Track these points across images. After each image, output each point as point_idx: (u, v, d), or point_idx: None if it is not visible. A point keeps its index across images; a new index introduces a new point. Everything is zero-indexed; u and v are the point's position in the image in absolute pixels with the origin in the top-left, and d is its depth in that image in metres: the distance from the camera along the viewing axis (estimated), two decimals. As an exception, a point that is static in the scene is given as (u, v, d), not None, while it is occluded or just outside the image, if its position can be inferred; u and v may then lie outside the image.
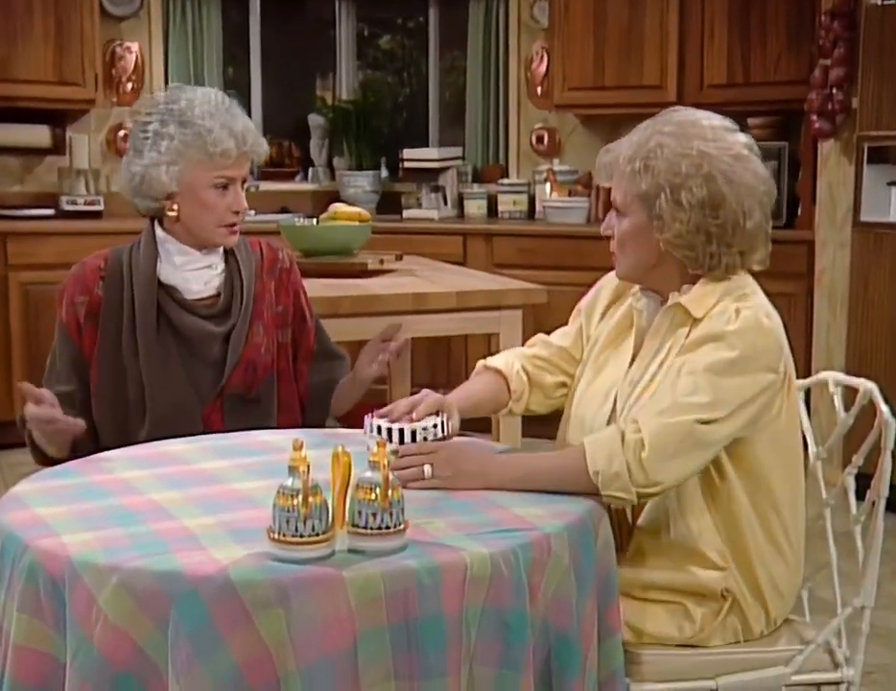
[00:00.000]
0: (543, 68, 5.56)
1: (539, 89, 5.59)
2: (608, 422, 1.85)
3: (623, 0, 5.08)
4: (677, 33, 5.00)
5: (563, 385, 2.01)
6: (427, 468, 1.73)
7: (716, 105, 5.11)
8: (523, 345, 3.16)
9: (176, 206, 2.13)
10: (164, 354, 2.13)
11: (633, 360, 1.89)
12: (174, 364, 2.13)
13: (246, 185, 2.19)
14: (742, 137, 1.85)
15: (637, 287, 1.92)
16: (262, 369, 2.19)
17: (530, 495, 1.71)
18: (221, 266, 2.21)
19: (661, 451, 1.67)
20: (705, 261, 1.80)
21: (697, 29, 4.96)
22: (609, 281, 2.01)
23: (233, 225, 2.16)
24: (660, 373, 1.81)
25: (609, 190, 1.89)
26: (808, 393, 2.14)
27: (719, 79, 4.94)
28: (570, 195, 5.38)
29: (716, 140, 1.80)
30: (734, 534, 1.81)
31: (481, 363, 2.05)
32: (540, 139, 5.64)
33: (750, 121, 4.96)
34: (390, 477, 1.50)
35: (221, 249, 2.21)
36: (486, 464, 1.77)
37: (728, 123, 1.86)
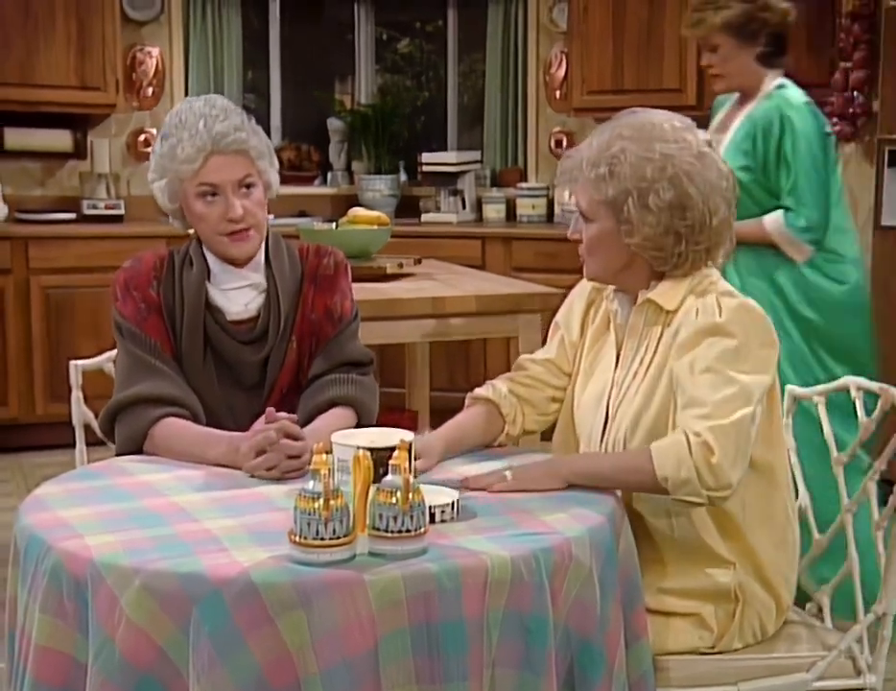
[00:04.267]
0: (562, 72, 5.55)
1: (558, 93, 5.58)
2: (604, 427, 1.88)
3: (642, 3, 5.07)
4: (697, 36, 4.99)
5: (555, 399, 2.01)
6: (507, 473, 1.78)
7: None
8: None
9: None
10: (207, 380, 2.06)
11: (618, 361, 1.90)
12: (213, 390, 2.07)
13: (250, 189, 2.03)
14: (702, 134, 1.87)
15: (609, 289, 1.94)
16: (295, 392, 2.10)
17: (550, 499, 1.72)
18: (263, 284, 2.09)
19: (726, 454, 1.69)
20: (673, 260, 1.83)
21: (717, 32, 4.95)
22: (580, 289, 2.03)
23: (234, 233, 2.03)
24: (641, 371, 1.84)
25: None
26: (828, 398, 2.13)
27: (738, 82, 4.92)
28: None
29: (677, 141, 1.81)
30: (729, 523, 1.82)
31: (468, 396, 2.05)
32: (559, 143, 5.63)
33: (769, 124, 4.94)
34: (411, 481, 1.50)
35: (261, 262, 2.09)
36: (554, 462, 1.83)
37: (687, 121, 1.87)
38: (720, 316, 1.77)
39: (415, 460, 1.78)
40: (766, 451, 1.83)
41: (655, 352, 1.84)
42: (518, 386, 2.01)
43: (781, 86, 2.96)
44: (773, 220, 2.92)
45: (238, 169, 2.02)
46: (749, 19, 2.94)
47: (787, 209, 2.92)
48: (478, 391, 2.03)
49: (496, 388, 2.01)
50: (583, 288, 2.02)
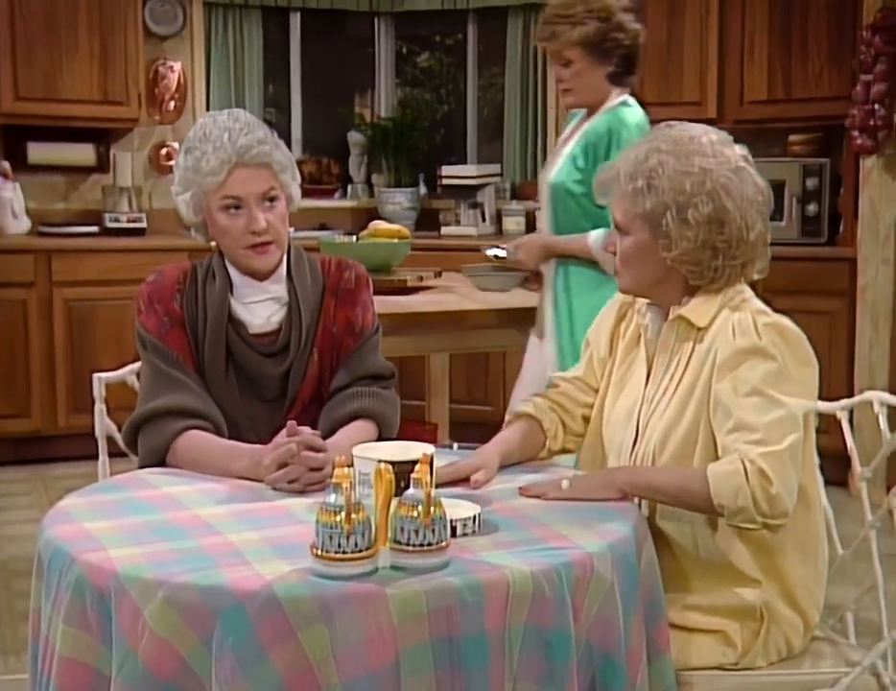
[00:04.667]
0: (581, 85, 5.55)
1: (577, 106, 5.58)
2: (634, 443, 1.88)
3: (662, 16, 5.07)
4: (717, 48, 4.97)
5: (585, 417, 2.02)
6: (565, 482, 1.79)
7: (756, 121, 5.14)
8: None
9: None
10: (229, 393, 2.07)
11: (648, 376, 1.90)
12: (235, 402, 2.07)
13: (273, 202, 2.04)
14: (739, 149, 1.86)
15: (640, 303, 1.94)
16: (316, 405, 2.11)
17: (571, 513, 1.71)
18: (284, 297, 2.09)
19: (784, 482, 1.69)
20: (709, 274, 1.83)
21: (738, 44, 4.94)
22: (610, 305, 2.03)
23: (257, 245, 2.03)
24: (672, 387, 1.84)
25: None
26: (851, 412, 2.12)
27: (759, 95, 4.91)
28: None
29: (715, 155, 1.81)
30: (759, 543, 1.81)
31: (509, 413, 2.06)
32: (578, 156, 5.63)
33: (791, 137, 4.93)
34: (433, 494, 1.50)
35: (283, 275, 2.10)
36: (612, 473, 1.84)
37: (724, 136, 1.87)
38: (759, 337, 1.76)
39: (476, 472, 1.82)
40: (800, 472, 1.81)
41: (686, 368, 1.83)
42: (556, 404, 2.02)
43: (623, 103, 2.94)
44: (596, 236, 2.88)
45: (261, 182, 2.03)
46: (604, 38, 2.90)
47: (609, 226, 2.88)
48: (519, 407, 2.04)
49: (537, 404, 2.02)
50: (613, 304, 2.02)
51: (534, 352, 3.08)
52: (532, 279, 3.15)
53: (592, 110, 2.98)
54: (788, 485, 1.69)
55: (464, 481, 1.83)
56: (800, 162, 4.79)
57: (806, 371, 1.79)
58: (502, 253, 3.01)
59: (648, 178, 1.80)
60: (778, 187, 4.64)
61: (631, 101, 2.98)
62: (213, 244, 2.13)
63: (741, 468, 1.69)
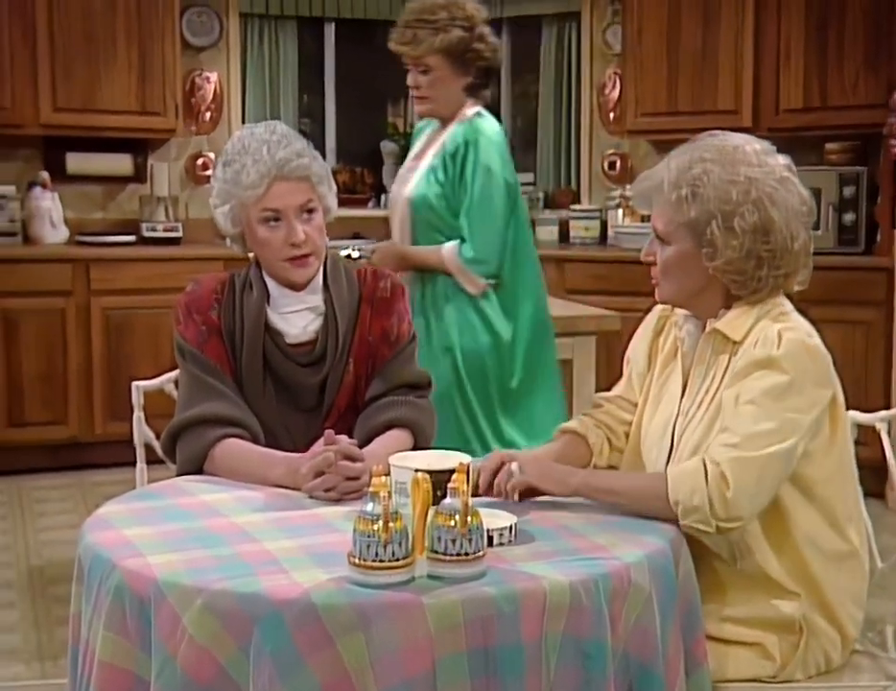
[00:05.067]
0: (615, 94, 5.56)
1: (611, 115, 5.59)
2: (668, 456, 1.87)
3: (696, 24, 5.06)
4: (752, 56, 4.95)
5: (628, 435, 2.03)
6: (514, 465, 1.78)
7: (792, 129, 5.10)
8: (597, 372, 3.20)
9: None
10: (266, 402, 2.09)
11: (684, 390, 1.89)
12: (272, 411, 2.09)
13: (312, 214, 2.06)
14: (782, 159, 1.85)
15: (678, 315, 1.93)
16: (352, 414, 2.12)
17: (609, 524, 1.71)
18: (321, 307, 2.11)
19: (744, 489, 1.68)
20: (752, 284, 1.81)
21: (773, 52, 4.91)
22: (647, 320, 2.03)
23: (296, 258, 2.05)
24: (707, 400, 1.83)
25: None
26: (889, 424, 2.10)
27: (795, 103, 4.88)
28: (642, 221, 5.35)
29: (760, 165, 1.80)
30: (793, 554, 1.80)
31: (556, 430, 2.06)
32: (612, 165, 5.63)
33: (828, 145, 4.89)
34: (470, 504, 1.50)
35: (319, 285, 2.11)
36: (570, 472, 1.82)
37: (767, 146, 1.86)
38: (777, 350, 1.74)
39: (506, 464, 1.81)
40: (825, 487, 1.80)
41: (721, 382, 1.83)
42: (598, 422, 2.02)
43: (478, 114, 2.89)
44: (449, 248, 2.86)
45: (300, 194, 2.05)
46: (466, 48, 2.85)
47: (462, 239, 2.85)
48: (565, 424, 2.05)
49: (581, 421, 2.02)
50: (650, 318, 2.02)
51: None
52: None
53: (445, 122, 2.93)
54: (748, 491, 1.68)
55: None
56: (837, 171, 4.75)
57: (821, 394, 1.77)
58: (356, 254, 2.94)
59: (693, 186, 1.78)
60: (814, 196, 4.56)
61: (485, 112, 2.93)
62: (251, 255, 2.15)
63: (701, 469, 1.69)
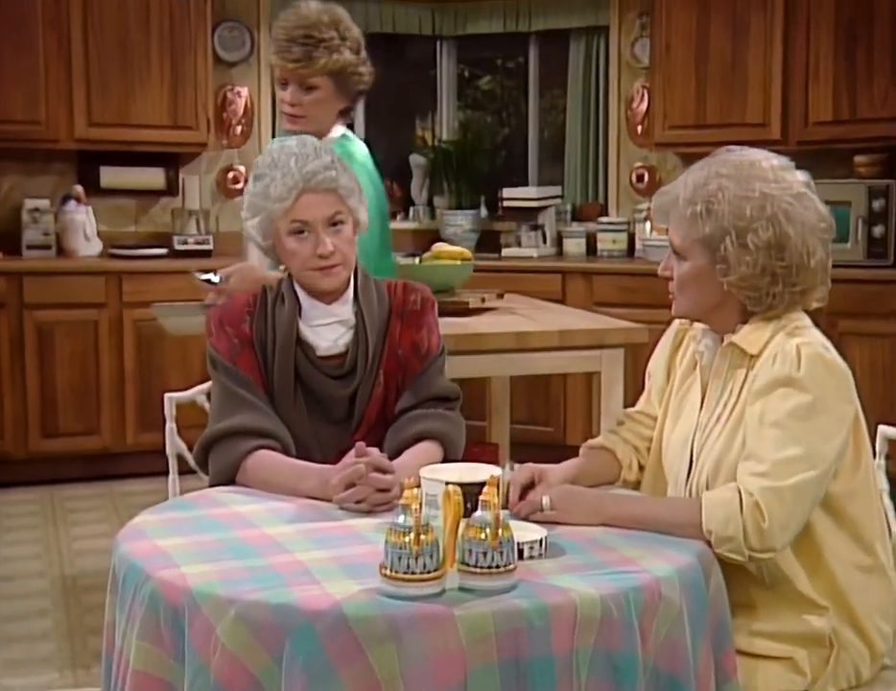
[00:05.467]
0: (643, 107, 5.56)
1: (639, 128, 5.59)
2: (689, 471, 1.87)
3: (725, 37, 5.06)
4: (781, 69, 4.94)
5: (650, 450, 2.03)
6: (545, 500, 1.78)
7: (821, 142, 5.07)
8: (624, 384, 3.20)
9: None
10: (297, 414, 2.11)
11: (702, 403, 1.90)
12: (303, 423, 2.11)
13: (340, 226, 2.09)
14: (800, 175, 1.84)
15: (696, 329, 1.93)
16: (382, 426, 2.14)
17: (638, 538, 1.72)
18: (351, 320, 2.13)
19: (778, 519, 1.68)
20: (767, 301, 1.81)
21: (802, 65, 4.90)
22: (667, 334, 2.03)
23: (323, 268, 2.08)
24: (725, 414, 1.83)
25: None
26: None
27: (824, 115, 4.86)
28: (668, 232, 5.34)
29: (776, 180, 1.80)
30: (824, 571, 1.79)
31: (583, 446, 2.07)
32: (640, 177, 5.63)
33: (857, 158, 4.87)
34: (501, 516, 1.51)
35: (350, 298, 2.14)
36: (601, 501, 1.81)
37: (785, 161, 1.85)
38: (798, 368, 1.74)
39: (535, 485, 1.82)
40: (852, 503, 1.80)
41: (739, 396, 1.83)
42: (624, 439, 2.03)
43: (345, 137, 2.82)
44: None
45: (328, 206, 2.07)
46: (353, 71, 2.75)
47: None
48: (592, 440, 2.05)
49: (608, 436, 2.03)
50: (669, 332, 2.03)
51: None
52: None
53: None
54: (782, 522, 1.68)
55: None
56: (866, 184, 4.73)
57: (845, 409, 1.77)
58: (215, 278, 2.76)
59: (708, 202, 1.79)
60: (843, 209, 4.58)
61: (350, 134, 2.87)
62: (282, 267, 2.17)
63: (736, 499, 1.69)
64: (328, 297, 2.13)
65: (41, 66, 4.93)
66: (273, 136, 5.53)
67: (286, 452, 2.05)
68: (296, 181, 2.04)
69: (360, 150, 2.82)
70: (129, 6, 5.04)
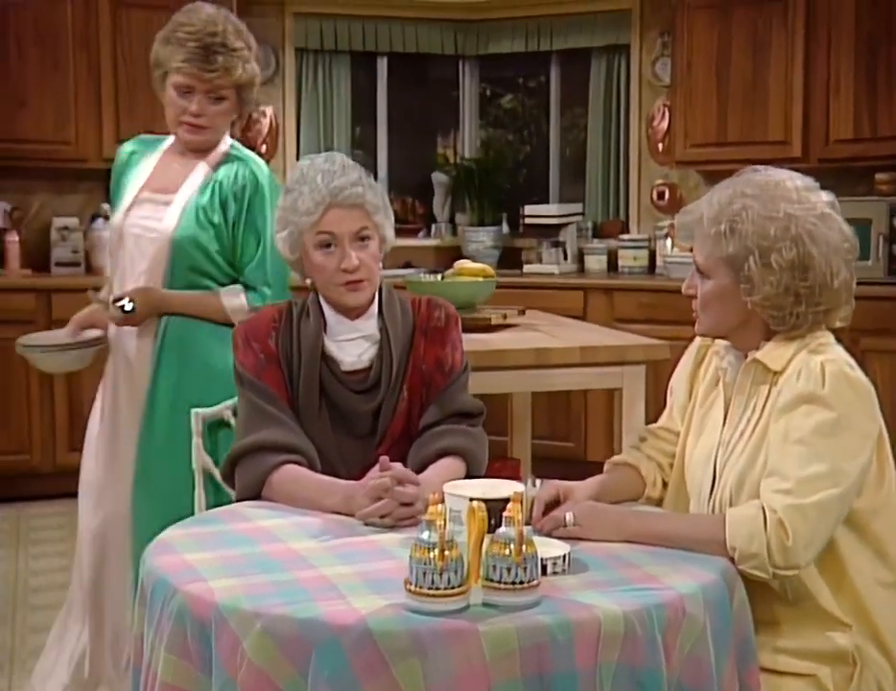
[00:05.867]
0: (664, 125, 5.57)
1: (660, 146, 5.61)
2: (712, 487, 1.88)
3: (746, 55, 5.07)
4: (802, 86, 4.95)
5: (672, 466, 2.04)
6: (568, 516, 1.79)
7: (842, 160, 5.08)
8: (646, 401, 3.20)
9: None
10: (322, 428, 2.13)
11: (725, 419, 1.90)
12: (328, 438, 2.13)
13: (366, 241, 2.11)
14: (825, 196, 1.85)
15: (719, 345, 1.94)
16: (405, 440, 2.15)
17: (662, 554, 1.72)
18: (376, 335, 2.15)
19: (802, 537, 1.69)
20: (791, 320, 1.82)
21: (823, 82, 4.91)
22: (689, 350, 2.04)
23: (349, 282, 2.10)
24: (748, 430, 1.84)
25: None
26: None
27: (845, 133, 4.86)
28: (691, 250, 5.35)
29: (801, 201, 1.81)
30: (848, 589, 1.80)
31: (607, 462, 2.08)
32: (661, 195, 5.65)
33: (878, 176, 4.87)
34: (525, 533, 1.53)
35: (374, 314, 2.16)
36: (624, 518, 1.82)
37: (809, 182, 1.86)
38: (823, 385, 1.75)
39: (561, 502, 1.83)
40: (876, 519, 1.80)
41: (762, 413, 1.84)
42: (647, 456, 2.04)
43: (239, 150, 2.69)
44: (234, 296, 2.61)
45: (354, 222, 2.10)
46: (253, 84, 2.65)
47: (247, 287, 2.61)
48: (616, 457, 2.07)
49: (631, 452, 2.04)
50: (691, 348, 2.04)
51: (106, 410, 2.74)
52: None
53: (200, 154, 2.66)
54: (805, 539, 1.69)
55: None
56: (887, 201, 4.72)
57: (870, 427, 1.77)
58: (129, 306, 2.57)
59: (732, 221, 1.80)
60: (864, 226, 4.57)
61: (239, 146, 2.73)
62: (308, 281, 2.20)
63: (760, 517, 1.69)
64: (353, 312, 2.15)
65: (71, 86, 5.00)
66: (298, 155, 5.58)
67: (311, 467, 2.07)
68: (324, 196, 2.08)
69: (265, 169, 2.70)
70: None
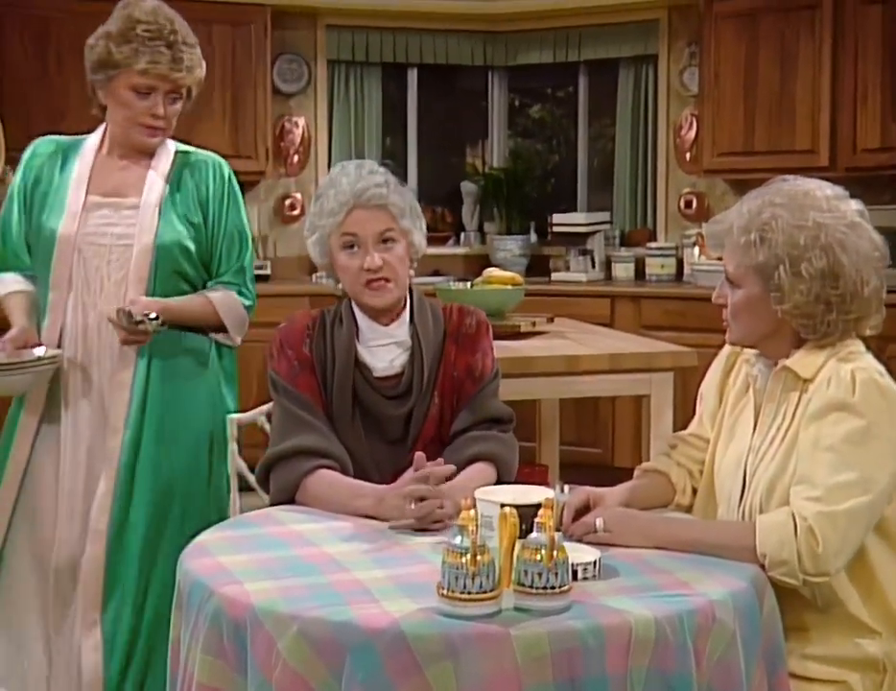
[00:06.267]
0: (692, 134, 5.57)
1: (688, 155, 5.61)
2: (742, 493, 1.88)
3: (774, 64, 5.07)
4: (829, 96, 4.93)
5: (702, 472, 2.05)
6: (599, 521, 1.81)
7: (870, 169, 5.05)
8: (674, 408, 3.21)
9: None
10: (355, 434, 2.16)
11: (755, 426, 1.91)
12: (361, 443, 2.16)
13: (391, 244, 2.12)
14: (854, 205, 1.86)
15: (749, 353, 1.95)
16: (437, 445, 2.17)
17: (692, 561, 1.73)
18: (407, 342, 2.17)
19: (832, 544, 1.70)
20: (822, 329, 1.82)
21: (850, 92, 4.89)
22: (719, 357, 2.05)
23: (370, 282, 2.12)
24: (778, 437, 1.84)
25: None
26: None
27: (872, 142, 4.84)
28: (719, 259, 5.33)
29: (830, 210, 1.81)
30: (874, 593, 1.80)
31: (637, 469, 2.10)
32: (689, 204, 5.64)
33: (907, 185, 4.85)
34: (556, 538, 1.54)
35: (406, 320, 2.18)
36: (654, 524, 1.84)
37: (839, 191, 1.87)
38: (853, 393, 1.75)
39: (590, 508, 1.84)
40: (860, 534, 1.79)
41: (792, 419, 1.84)
42: (677, 462, 2.05)
43: (183, 145, 2.58)
44: (227, 297, 2.52)
45: (377, 223, 2.12)
46: (201, 82, 2.55)
47: (238, 290, 2.55)
48: (646, 463, 2.08)
49: (661, 459, 2.06)
50: (721, 356, 2.05)
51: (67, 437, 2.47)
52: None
53: (143, 155, 2.51)
54: (835, 547, 1.69)
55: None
56: (915, 211, 4.69)
57: (895, 435, 1.77)
58: (160, 320, 2.39)
59: (762, 231, 1.81)
60: (893, 235, 4.52)
61: (185, 145, 2.61)
62: (339, 285, 2.23)
63: (791, 524, 1.70)
64: (385, 317, 2.17)
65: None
66: (329, 165, 5.63)
67: (344, 472, 2.10)
68: (348, 198, 2.11)
69: (224, 161, 2.60)
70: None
